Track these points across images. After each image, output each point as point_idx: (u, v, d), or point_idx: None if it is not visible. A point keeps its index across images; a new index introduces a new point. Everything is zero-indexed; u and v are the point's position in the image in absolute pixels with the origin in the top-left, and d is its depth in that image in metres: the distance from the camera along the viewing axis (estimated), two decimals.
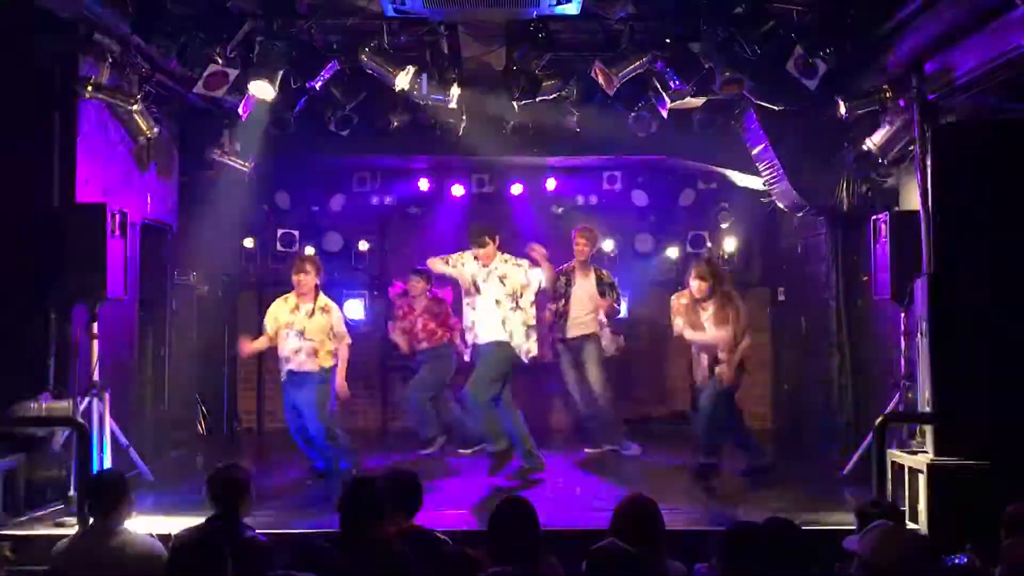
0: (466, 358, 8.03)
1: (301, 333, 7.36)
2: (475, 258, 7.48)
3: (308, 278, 7.39)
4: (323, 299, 7.49)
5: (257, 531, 4.40)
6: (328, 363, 7.42)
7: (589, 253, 8.47)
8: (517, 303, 7.37)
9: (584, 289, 8.47)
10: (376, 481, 4.27)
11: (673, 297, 7.55)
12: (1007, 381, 5.81)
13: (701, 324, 7.30)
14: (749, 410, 10.21)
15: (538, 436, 8.60)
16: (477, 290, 7.43)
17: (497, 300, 7.35)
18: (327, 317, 7.43)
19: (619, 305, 8.87)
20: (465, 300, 7.57)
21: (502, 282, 7.38)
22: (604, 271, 8.67)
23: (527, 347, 7.43)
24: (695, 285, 7.32)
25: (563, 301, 8.43)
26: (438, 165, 10.04)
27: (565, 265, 8.48)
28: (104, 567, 4.20)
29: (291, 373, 7.42)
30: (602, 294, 8.46)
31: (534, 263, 7.61)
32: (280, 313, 7.48)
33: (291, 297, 7.50)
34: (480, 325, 7.42)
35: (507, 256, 7.49)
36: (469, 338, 7.67)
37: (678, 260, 10.47)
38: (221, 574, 3.79)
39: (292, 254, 10.10)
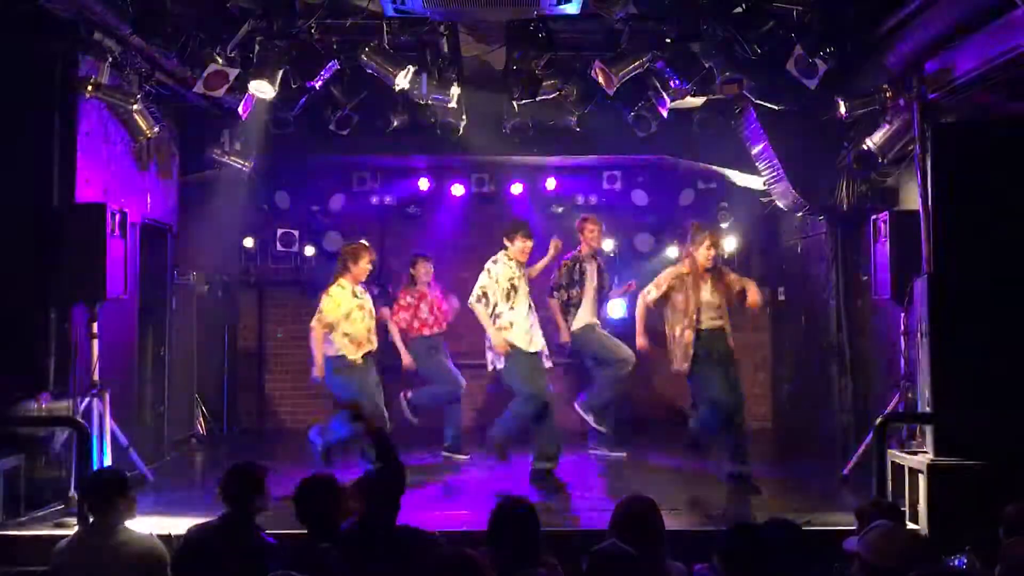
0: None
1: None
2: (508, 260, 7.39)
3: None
4: None
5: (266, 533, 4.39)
6: None
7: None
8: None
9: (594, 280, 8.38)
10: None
11: (668, 271, 7.39)
12: (1006, 381, 5.80)
13: (699, 299, 7.13)
14: (749, 410, 10.27)
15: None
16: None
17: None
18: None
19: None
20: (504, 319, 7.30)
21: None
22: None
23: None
24: (705, 253, 7.14)
25: (577, 289, 8.31)
26: (438, 165, 10.03)
27: (574, 252, 8.39)
28: (104, 566, 4.21)
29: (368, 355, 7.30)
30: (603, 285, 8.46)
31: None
32: (344, 299, 7.19)
33: (346, 284, 7.24)
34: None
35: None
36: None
37: (678, 260, 10.41)
38: (227, 573, 3.79)
39: (292, 254, 10.10)
